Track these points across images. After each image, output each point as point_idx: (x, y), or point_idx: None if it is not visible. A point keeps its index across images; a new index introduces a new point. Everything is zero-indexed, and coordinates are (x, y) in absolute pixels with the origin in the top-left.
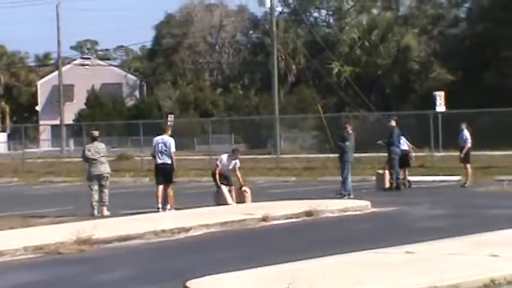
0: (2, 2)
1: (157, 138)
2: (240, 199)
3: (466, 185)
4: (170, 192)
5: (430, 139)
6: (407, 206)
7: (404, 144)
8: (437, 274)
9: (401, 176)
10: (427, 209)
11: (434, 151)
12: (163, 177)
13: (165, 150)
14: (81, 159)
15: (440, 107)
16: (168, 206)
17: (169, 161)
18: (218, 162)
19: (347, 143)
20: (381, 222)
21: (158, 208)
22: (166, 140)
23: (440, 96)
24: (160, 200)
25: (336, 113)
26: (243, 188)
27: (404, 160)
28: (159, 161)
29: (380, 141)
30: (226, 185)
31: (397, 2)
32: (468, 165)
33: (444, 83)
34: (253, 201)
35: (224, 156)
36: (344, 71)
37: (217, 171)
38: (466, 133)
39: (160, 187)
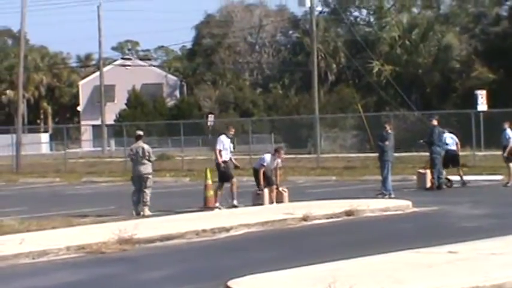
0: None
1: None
2: (278, 199)
3: (509, 184)
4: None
5: (472, 138)
6: (448, 205)
7: (454, 143)
8: (481, 274)
9: (445, 175)
10: (469, 209)
11: (476, 150)
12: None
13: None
14: (122, 159)
15: (482, 105)
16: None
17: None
18: (263, 163)
19: (386, 143)
20: (423, 222)
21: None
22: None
23: (481, 95)
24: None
25: (376, 112)
26: (281, 188)
27: (455, 159)
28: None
29: (421, 141)
30: (267, 185)
31: (437, 0)
32: (511, 165)
33: (486, 81)
34: (294, 200)
35: (268, 156)
36: (384, 70)
37: (261, 172)
38: (509, 132)
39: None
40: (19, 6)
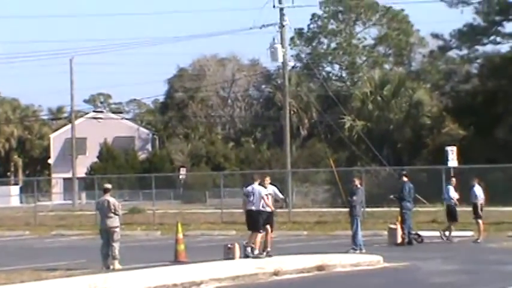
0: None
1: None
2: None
3: (479, 241)
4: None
5: (442, 194)
6: (419, 261)
7: (453, 196)
8: None
9: (413, 232)
10: (440, 265)
11: None
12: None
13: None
14: (92, 212)
15: (453, 162)
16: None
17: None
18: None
19: (355, 198)
20: (393, 277)
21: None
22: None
23: (452, 151)
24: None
25: (348, 167)
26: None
27: (453, 214)
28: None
29: (392, 196)
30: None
31: (409, 57)
32: (480, 221)
33: (456, 138)
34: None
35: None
36: (356, 126)
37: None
38: (477, 189)
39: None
40: None
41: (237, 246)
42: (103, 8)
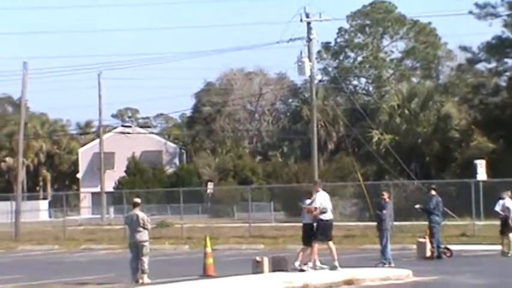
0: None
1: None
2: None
3: (510, 255)
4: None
5: (471, 208)
6: (449, 275)
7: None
8: None
9: (442, 245)
10: (469, 279)
11: (475, 220)
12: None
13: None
14: (121, 226)
15: (482, 175)
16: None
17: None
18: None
19: (384, 211)
20: None
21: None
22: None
23: (481, 165)
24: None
25: (376, 181)
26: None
27: (507, 225)
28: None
29: (417, 206)
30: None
31: (437, 70)
32: (510, 235)
33: (485, 151)
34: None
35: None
36: (384, 139)
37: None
38: (507, 202)
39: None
40: (19, 74)
41: (265, 260)
42: (131, 22)
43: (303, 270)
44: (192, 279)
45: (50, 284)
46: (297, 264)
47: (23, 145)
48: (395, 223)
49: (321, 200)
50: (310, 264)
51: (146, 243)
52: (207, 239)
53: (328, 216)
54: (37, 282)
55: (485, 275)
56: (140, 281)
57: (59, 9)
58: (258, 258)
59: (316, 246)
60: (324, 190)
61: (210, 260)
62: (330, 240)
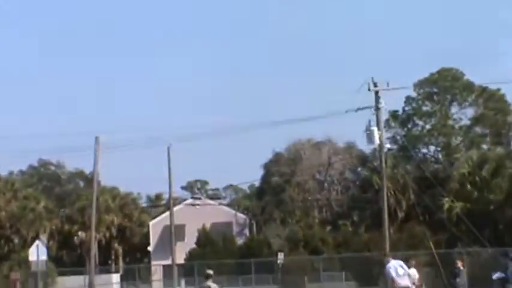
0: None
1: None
2: None
3: None
4: None
5: None
6: None
7: None
8: None
9: None
10: None
11: None
12: None
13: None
14: None
15: None
16: None
17: None
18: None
19: (458, 280)
20: None
21: None
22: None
23: None
24: None
25: (448, 249)
26: None
27: None
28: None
29: (496, 276)
30: None
31: (507, 136)
32: None
33: None
34: None
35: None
36: (455, 207)
37: None
38: None
39: None
40: (90, 149)
41: None
42: (197, 93)
43: None
44: None
45: None
46: None
47: (95, 219)
48: None
49: (394, 268)
50: None
51: None
52: None
53: (402, 282)
54: None
55: None
56: None
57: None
58: None
59: None
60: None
61: None
62: None
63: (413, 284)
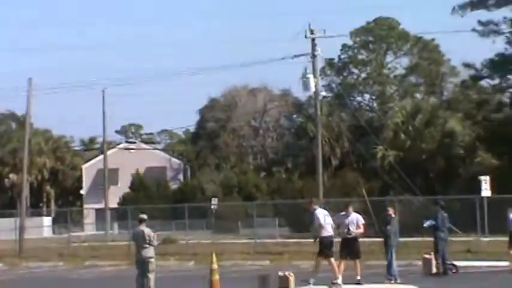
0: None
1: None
2: (283, 284)
3: None
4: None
5: (476, 223)
6: None
7: None
8: None
9: (448, 262)
10: None
11: (480, 236)
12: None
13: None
14: (125, 242)
15: (486, 191)
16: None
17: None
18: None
19: (389, 227)
20: None
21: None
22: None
23: (485, 181)
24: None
25: (381, 196)
26: (287, 273)
27: None
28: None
29: (426, 224)
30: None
31: (440, 87)
32: None
33: (489, 167)
34: (299, 285)
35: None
36: (388, 155)
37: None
38: None
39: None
40: (23, 90)
41: (272, 276)
42: (135, 38)
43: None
44: None
45: None
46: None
47: (27, 161)
48: (401, 239)
49: (322, 216)
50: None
51: (152, 260)
52: (213, 255)
53: (328, 232)
54: None
55: None
56: None
57: (64, 26)
58: (263, 274)
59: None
60: (323, 207)
61: (217, 277)
62: (330, 257)
63: (359, 228)
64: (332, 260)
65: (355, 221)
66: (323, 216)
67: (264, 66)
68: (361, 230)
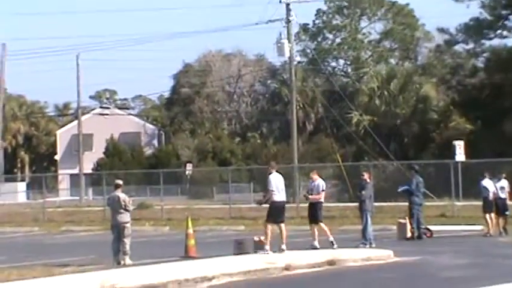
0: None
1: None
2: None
3: (488, 235)
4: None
5: (450, 188)
6: (430, 255)
7: (504, 191)
8: None
9: (423, 226)
10: (451, 259)
11: (455, 200)
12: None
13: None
14: (100, 208)
15: (460, 156)
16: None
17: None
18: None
19: (364, 192)
20: (405, 271)
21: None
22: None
23: (459, 146)
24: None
25: (355, 162)
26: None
27: (500, 207)
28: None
29: (400, 189)
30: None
31: (415, 52)
32: (492, 215)
33: (463, 132)
34: (273, 251)
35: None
36: (363, 120)
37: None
38: (486, 182)
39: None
40: None
41: (247, 240)
42: (109, 4)
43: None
44: (174, 260)
45: (31, 266)
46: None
47: (1, 127)
48: (376, 204)
49: (276, 181)
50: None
51: (128, 225)
52: (189, 220)
53: (280, 197)
54: (18, 264)
55: (466, 255)
56: (122, 262)
57: None
58: (240, 239)
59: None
60: (279, 172)
61: (192, 241)
62: (281, 222)
63: (318, 194)
64: (282, 225)
65: (317, 187)
66: (275, 181)
67: (239, 31)
68: (317, 196)
